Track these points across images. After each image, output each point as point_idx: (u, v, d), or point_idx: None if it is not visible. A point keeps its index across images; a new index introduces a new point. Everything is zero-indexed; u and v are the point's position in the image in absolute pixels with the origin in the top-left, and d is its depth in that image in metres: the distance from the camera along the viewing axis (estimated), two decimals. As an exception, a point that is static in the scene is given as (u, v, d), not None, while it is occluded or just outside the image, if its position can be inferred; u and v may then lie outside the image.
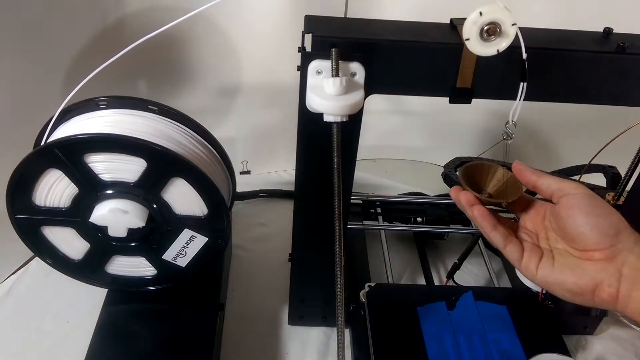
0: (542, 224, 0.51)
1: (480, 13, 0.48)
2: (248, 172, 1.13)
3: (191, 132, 0.69)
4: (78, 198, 0.62)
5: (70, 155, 0.59)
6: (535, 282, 0.49)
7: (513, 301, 0.74)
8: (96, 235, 0.65)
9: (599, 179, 0.84)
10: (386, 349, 0.68)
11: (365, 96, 0.54)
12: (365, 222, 0.93)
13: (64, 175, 0.60)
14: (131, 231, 0.63)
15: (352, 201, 0.83)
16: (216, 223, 0.65)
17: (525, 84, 0.54)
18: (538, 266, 0.48)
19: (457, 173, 0.54)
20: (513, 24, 0.49)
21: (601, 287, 0.45)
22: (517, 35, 0.50)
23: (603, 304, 0.45)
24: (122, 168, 0.61)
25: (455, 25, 0.57)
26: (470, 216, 0.52)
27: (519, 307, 0.73)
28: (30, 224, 0.64)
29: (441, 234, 0.95)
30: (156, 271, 0.70)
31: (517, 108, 0.54)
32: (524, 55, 0.52)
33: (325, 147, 0.54)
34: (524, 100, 0.54)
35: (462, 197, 0.52)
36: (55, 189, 0.62)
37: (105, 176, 0.61)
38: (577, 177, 0.80)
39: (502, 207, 0.54)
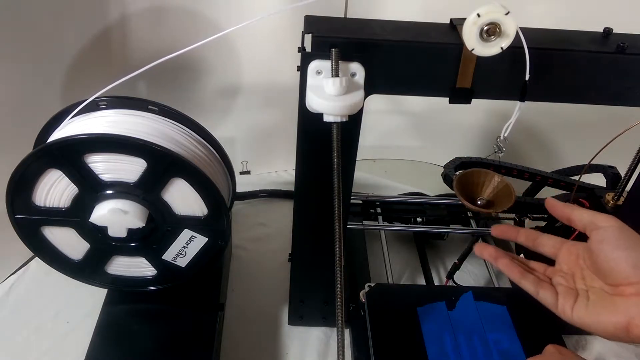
0: (577, 263, 0.50)
1: (478, 15, 0.48)
2: (248, 172, 1.13)
3: (191, 132, 0.69)
4: (78, 198, 0.62)
5: (70, 156, 0.59)
6: (573, 324, 0.47)
7: (513, 301, 0.74)
8: (96, 236, 0.65)
9: (599, 179, 0.84)
10: (386, 349, 0.68)
11: (365, 96, 0.54)
12: (365, 222, 0.93)
13: (63, 175, 0.60)
14: (131, 231, 0.63)
15: (352, 201, 0.83)
16: (216, 223, 0.65)
17: (522, 104, 0.54)
18: (573, 308, 0.47)
19: (453, 181, 0.55)
20: (506, 13, 0.49)
21: (634, 322, 0.44)
22: (520, 38, 0.50)
23: (638, 339, 0.44)
24: (122, 168, 0.61)
25: (455, 26, 0.57)
26: (498, 268, 0.52)
27: (519, 307, 0.73)
28: (30, 224, 0.64)
29: (441, 234, 0.95)
30: (156, 271, 0.70)
31: (510, 125, 0.54)
32: (527, 77, 0.53)
33: (325, 147, 0.54)
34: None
35: (486, 253, 0.52)
36: (55, 189, 0.62)
37: (105, 176, 0.61)
38: (577, 177, 0.81)
39: (493, 216, 0.54)
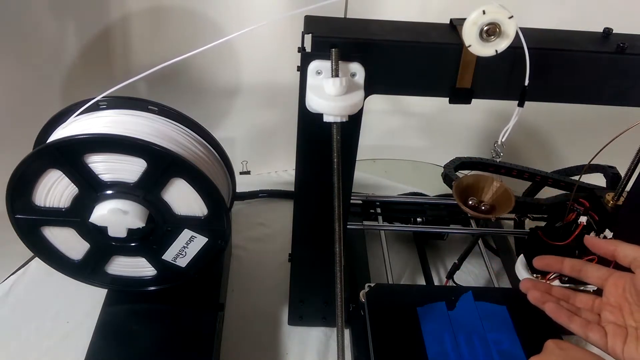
0: (624, 296, 0.50)
1: (484, 12, 0.48)
2: (248, 172, 1.13)
3: (191, 132, 0.69)
4: (78, 198, 0.62)
5: (70, 156, 0.59)
6: None
7: (513, 301, 0.74)
8: (96, 236, 0.65)
9: (599, 179, 0.84)
10: (386, 349, 0.68)
11: (365, 96, 0.54)
12: (365, 222, 0.93)
13: (63, 175, 0.60)
14: (131, 231, 0.63)
15: (352, 201, 0.83)
16: (216, 223, 0.65)
17: (520, 108, 0.54)
18: (623, 348, 0.47)
19: (452, 187, 0.55)
20: (510, 17, 0.49)
21: None
22: (520, 39, 0.50)
23: None
24: (122, 168, 0.61)
25: (455, 26, 0.57)
26: (545, 312, 0.52)
27: (519, 307, 0.73)
28: (30, 224, 0.64)
29: (441, 234, 0.95)
30: (156, 271, 0.70)
31: (508, 130, 0.55)
32: (527, 82, 0.53)
33: (325, 147, 0.54)
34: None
35: (531, 296, 0.53)
36: (55, 189, 0.62)
37: (105, 176, 0.61)
38: (577, 177, 0.80)
39: (493, 221, 0.54)
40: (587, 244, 0.52)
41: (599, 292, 0.52)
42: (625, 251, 0.49)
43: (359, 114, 0.55)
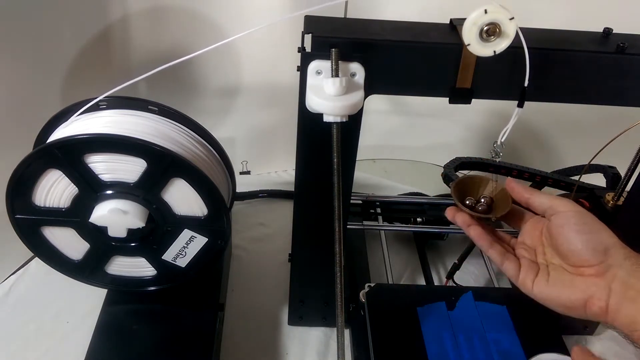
0: (540, 239, 0.52)
1: (486, 11, 0.48)
2: (248, 172, 1.13)
3: (191, 132, 0.69)
4: (78, 198, 0.62)
5: (70, 156, 0.59)
6: (532, 296, 0.50)
7: (513, 301, 0.74)
8: (96, 236, 0.65)
9: (599, 179, 0.84)
10: (386, 349, 0.68)
11: (365, 96, 0.54)
12: (365, 222, 0.93)
13: (63, 175, 0.60)
14: (131, 231, 0.63)
15: (352, 201, 0.83)
16: (216, 223, 0.65)
17: (520, 109, 0.55)
18: (534, 282, 0.49)
19: (451, 189, 0.55)
20: (511, 18, 0.49)
21: (592, 301, 0.46)
22: (520, 39, 0.50)
23: (594, 316, 0.47)
24: (122, 168, 0.61)
25: (455, 26, 0.57)
26: (468, 235, 0.54)
27: (518, 307, 0.73)
28: (30, 224, 0.64)
29: (441, 234, 0.95)
30: (156, 271, 0.70)
31: (507, 130, 0.55)
32: (526, 83, 0.53)
33: (325, 147, 0.54)
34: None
35: (459, 218, 0.54)
36: (55, 189, 0.62)
37: (105, 176, 0.61)
38: (577, 177, 0.80)
39: (492, 221, 0.55)
40: (507, 186, 0.54)
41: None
42: (541, 199, 0.51)
43: (359, 114, 0.55)
